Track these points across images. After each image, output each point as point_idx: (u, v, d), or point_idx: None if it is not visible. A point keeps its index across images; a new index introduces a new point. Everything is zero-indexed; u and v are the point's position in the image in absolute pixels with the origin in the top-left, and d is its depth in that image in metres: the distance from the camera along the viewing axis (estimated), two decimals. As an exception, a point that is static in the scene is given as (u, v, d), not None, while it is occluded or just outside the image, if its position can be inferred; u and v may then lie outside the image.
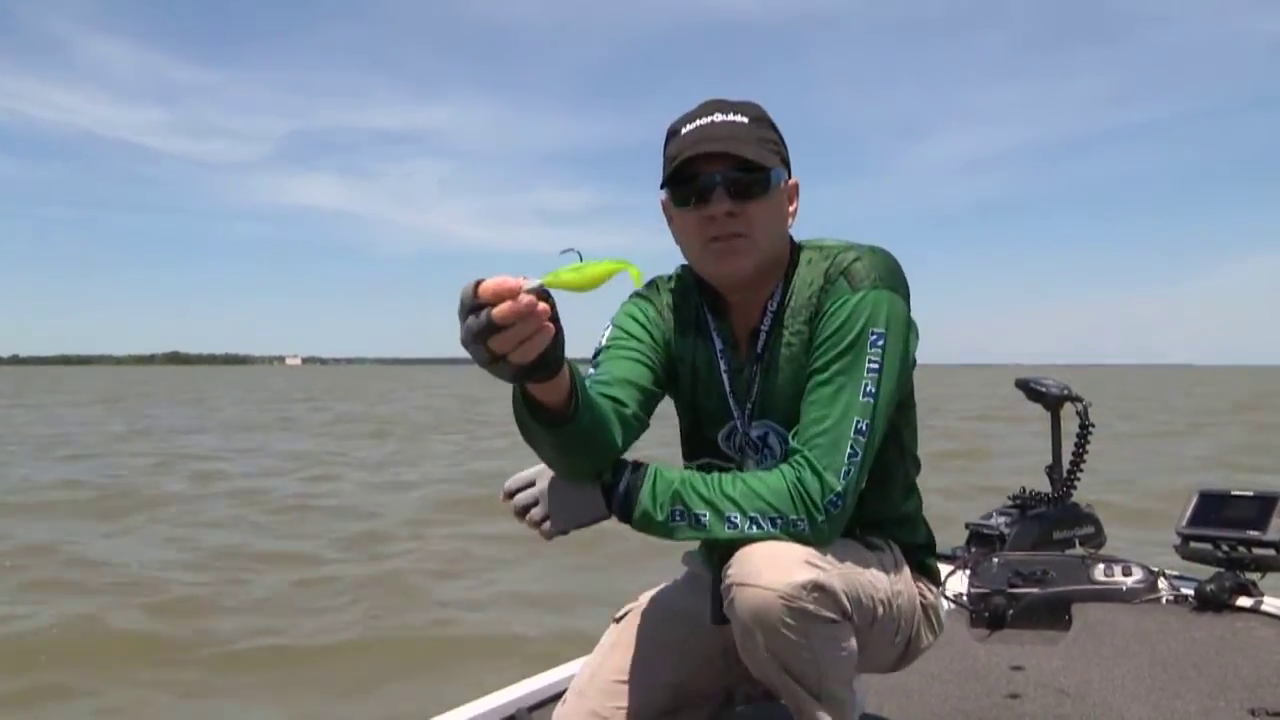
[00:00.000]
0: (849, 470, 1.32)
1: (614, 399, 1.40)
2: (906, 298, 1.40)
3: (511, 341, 1.02)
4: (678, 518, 1.32)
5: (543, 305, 1.01)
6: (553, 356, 1.09)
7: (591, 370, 1.46)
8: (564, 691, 1.61)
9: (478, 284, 1.00)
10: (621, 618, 1.62)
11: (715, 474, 1.36)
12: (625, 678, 1.53)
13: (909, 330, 1.41)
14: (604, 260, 1.03)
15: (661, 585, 1.66)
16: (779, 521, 1.31)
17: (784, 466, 1.34)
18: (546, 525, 1.34)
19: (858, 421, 1.33)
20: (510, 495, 1.36)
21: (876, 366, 1.35)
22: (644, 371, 1.47)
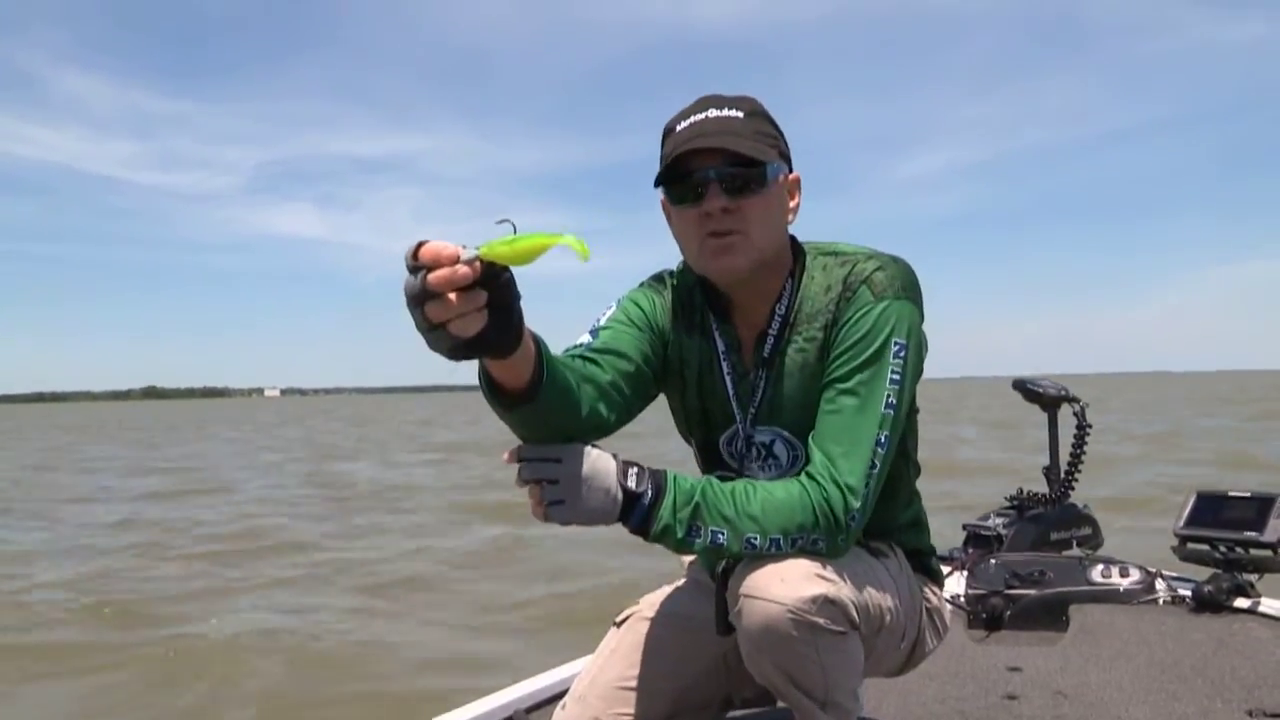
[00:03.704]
0: (868, 483, 1.32)
1: (597, 365, 1.36)
2: (922, 309, 1.39)
3: (447, 311, 0.98)
4: (695, 534, 1.28)
5: (480, 291, 0.98)
6: (496, 339, 1.05)
7: (587, 337, 1.42)
8: (562, 694, 1.61)
9: (420, 244, 0.97)
10: (622, 622, 1.61)
11: (732, 485, 1.31)
12: (626, 684, 1.52)
13: (923, 341, 1.39)
14: (539, 233, 0.98)
15: (663, 588, 1.64)
16: (799, 541, 1.29)
17: (806, 482, 1.32)
18: (554, 510, 1.23)
19: (879, 435, 1.32)
20: (524, 460, 1.25)
21: (898, 378, 1.33)
22: (637, 352, 1.43)
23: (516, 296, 1.05)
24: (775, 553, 1.29)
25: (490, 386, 1.19)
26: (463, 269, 0.96)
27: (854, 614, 1.30)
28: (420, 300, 0.98)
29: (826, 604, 1.26)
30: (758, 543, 1.28)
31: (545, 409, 1.21)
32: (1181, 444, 16.83)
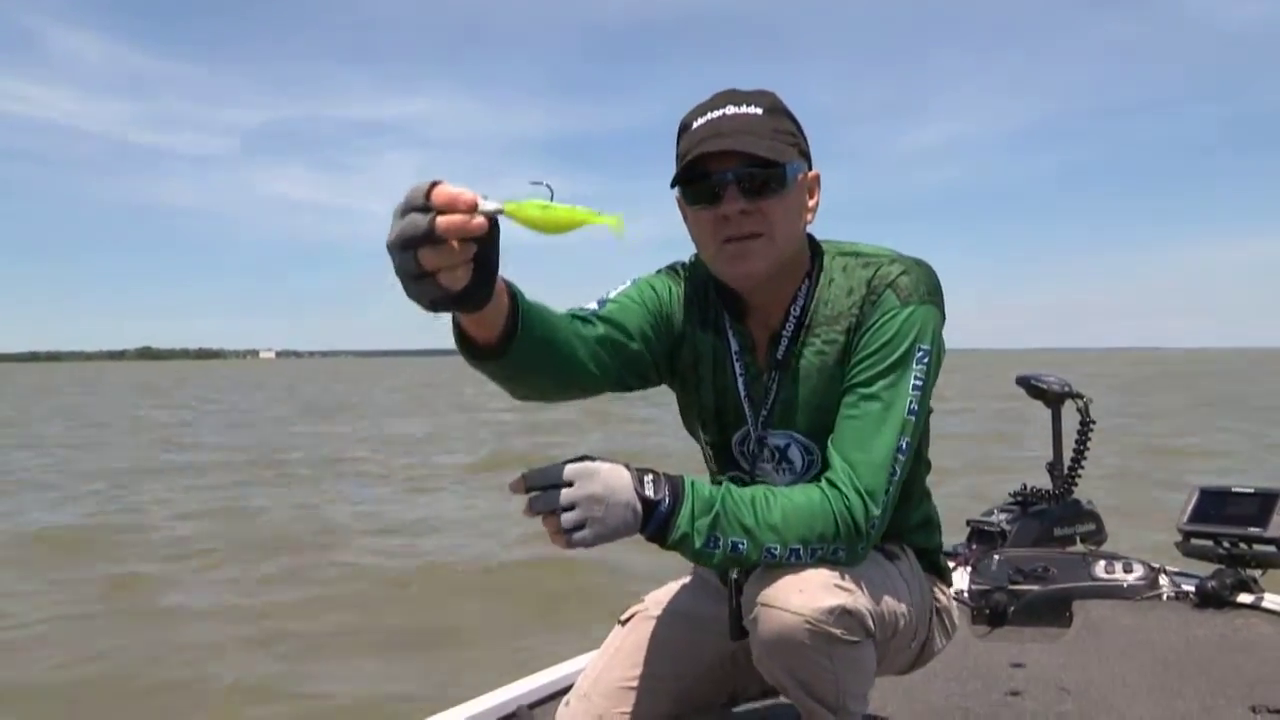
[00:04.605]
0: (888, 490, 1.31)
1: (595, 330, 1.32)
2: (944, 312, 1.38)
3: (442, 260, 0.92)
4: (713, 544, 1.25)
5: (472, 243, 0.93)
6: (475, 293, 0.99)
7: (593, 304, 1.38)
8: (565, 689, 1.61)
9: (434, 184, 0.90)
10: (627, 620, 1.61)
11: (751, 492, 1.29)
12: (629, 682, 1.52)
13: (943, 345, 1.38)
14: (578, 208, 0.92)
15: (668, 585, 1.64)
16: (819, 551, 1.29)
17: (827, 489, 1.30)
18: (580, 535, 1.18)
19: (900, 441, 1.32)
20: (532, 488, 1.19)
21: (920, 383, 1.33)
22: (639, 331, 1.39)
23: (498, 251, 0.99)
24: (794, 562, 1.28)
25: (461, 338, 1.14)
26: (479, 219, 0.90)
27: (870, 623, 1.29)
28: (419, 243, 0.90)
29: (844, 615, 1.26)
30: (777, 552, 1.27)
31: (518, 363, 1.16)
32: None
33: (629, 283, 1.46)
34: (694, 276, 1.49)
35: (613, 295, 1.42)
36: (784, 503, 1.28)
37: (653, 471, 1.26)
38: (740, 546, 1.26)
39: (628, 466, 1.24)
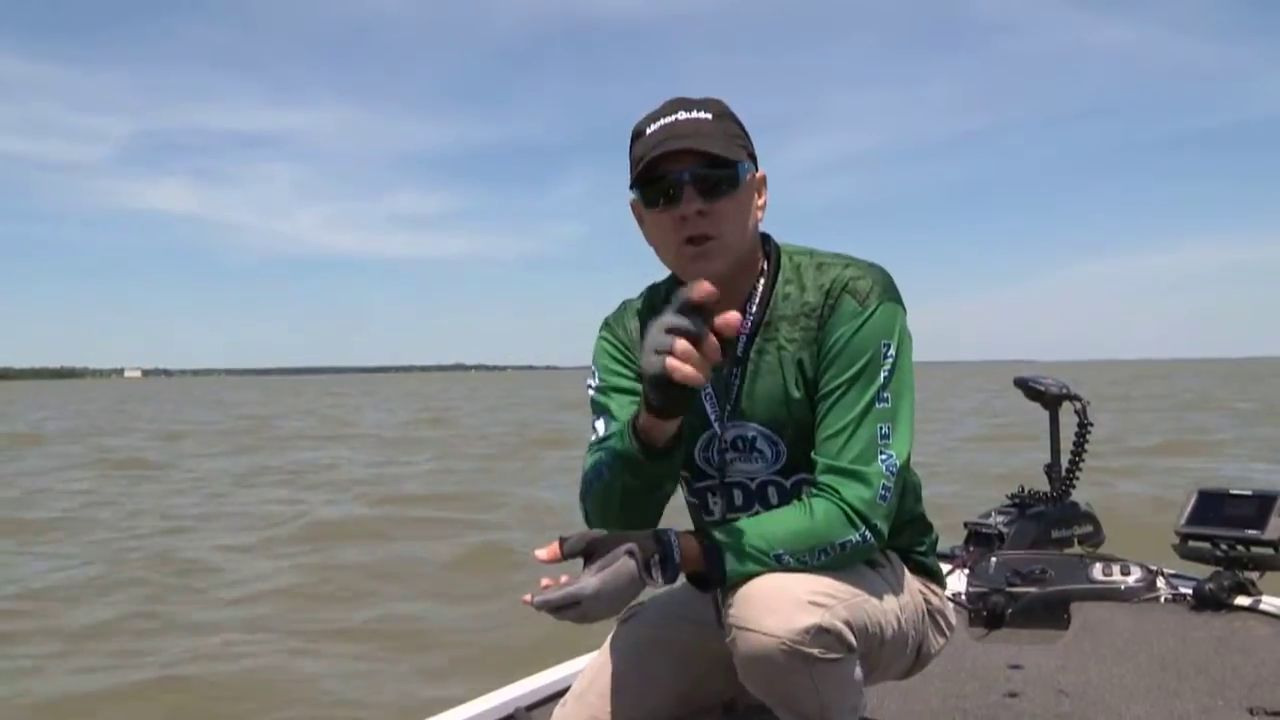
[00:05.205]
0: (884, 467, 1.34)
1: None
2: (904, 306, 1.42)
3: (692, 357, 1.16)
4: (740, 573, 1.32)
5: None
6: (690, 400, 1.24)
7: (600, 427, 1.45)
8: (563, 691, 1.61)
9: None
10: (626, 620, 1.60)
11: (754, 524, 1.34)
12: (627, 683, 1.51)
13: (909, 337, 1.42)
14: None
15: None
16: (830, 553, 1.33)
17: (823, 499, 1.34)
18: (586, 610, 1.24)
19: (880, 427, 1.35)
20: (539, 607, 1.24)
21: (889, 376, 1.36)
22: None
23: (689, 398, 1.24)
24: (823, 561, 1.32)
25: (641, 444, 1.31)
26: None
27: (850, 637, 1.29)
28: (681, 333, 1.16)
29: (820, 633, 1.26)
30: (793, 564, 1.31)
31: (675, 464, 1.36)
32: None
33: (593, 372, 1.52)
34: (644, 306, 1.53)
35: (595, 390, 1.50)
36: (790, 525, 1.33)
37: (659, 553, 1.28)
38: (755, 568, 1.31)
39: (633, 555, 1.26)
